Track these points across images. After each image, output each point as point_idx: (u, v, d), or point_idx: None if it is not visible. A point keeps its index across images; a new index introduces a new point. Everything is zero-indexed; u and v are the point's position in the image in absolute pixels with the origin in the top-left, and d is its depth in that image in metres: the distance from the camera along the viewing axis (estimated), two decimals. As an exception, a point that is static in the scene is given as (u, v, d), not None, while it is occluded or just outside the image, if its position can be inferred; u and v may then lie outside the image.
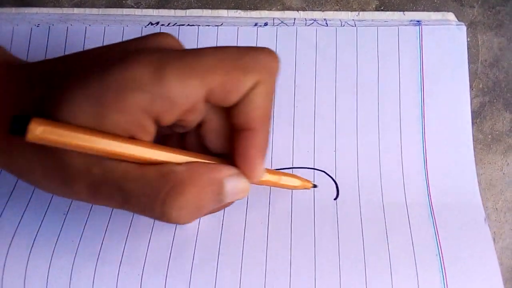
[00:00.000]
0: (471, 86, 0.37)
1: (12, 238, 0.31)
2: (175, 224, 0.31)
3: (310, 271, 0.30)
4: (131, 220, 0.32)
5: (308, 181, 0.31)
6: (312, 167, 0.34)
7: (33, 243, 0.31)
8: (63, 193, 0.25)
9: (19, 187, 0.33)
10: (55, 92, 0.23)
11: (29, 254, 0.30)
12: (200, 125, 0.26)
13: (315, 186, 0.32)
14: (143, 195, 0.23)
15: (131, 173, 0.23)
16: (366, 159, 0.34)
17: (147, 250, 0.31)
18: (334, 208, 0.33)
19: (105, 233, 0.31)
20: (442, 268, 0.30)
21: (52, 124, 0.21)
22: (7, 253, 0.30)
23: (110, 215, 0.32)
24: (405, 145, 0.34)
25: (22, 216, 0.32)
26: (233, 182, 0.25)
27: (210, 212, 0.30)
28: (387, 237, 0.31)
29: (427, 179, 0.34)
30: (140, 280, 0.29)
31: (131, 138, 0.23)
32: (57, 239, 0.31)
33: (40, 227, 0.31)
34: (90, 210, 0.32)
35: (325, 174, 0.34)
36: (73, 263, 0.30)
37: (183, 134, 0.28)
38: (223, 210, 0.32)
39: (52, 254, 0.30)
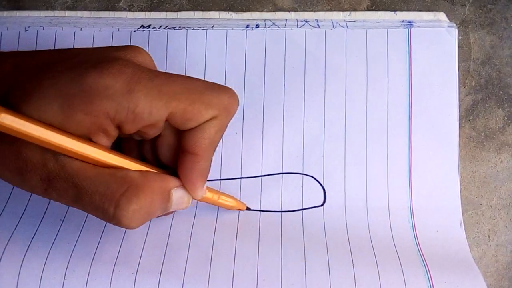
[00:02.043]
0: (463, 84, 0.37)
1: (8, 241, 0.31)
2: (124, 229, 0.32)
3: (300, 274, 0.30)
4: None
5: (243, 203, 0.33)
6: (301, 172, 0.34)
7: (29, 246, 0.30)
8: (18, 183, 0.26)
9: (16, 193, 0.33)
10: (25, 85, 0.24)
11: (24, 257, 0.30)
12: (156, 137, 0.28)
13: (248, 208, 0.34)
14: (97, 194, 0.25)
15: (87, 171, 0.25)
16: (353, 164, 0.34)
17: (142, 250, 0.31)
18: (321, 213, 0.33)
19: (102, 235, 0.31)
20: (425, 265, 0.31)
21: (14, 114, 0.22)
22: (2, 255, 0.30)
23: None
24: (391, 149, 0.35)
25: (19, 221, 0.32)
26: (179, 193, 0.28)
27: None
28: (371, 241, 0.32)
29: (410, 184, 0.34)
30: (134, 280, 0.29)
31: (90, 140, 0.25)
32: (53, 243, 0.31)
33: (36, 232, 0.31)
34: (86, 218, 0.32)
35: (313, 179, 0.34)
36: (67, 263, 0.30)
37: (141, 140, 0.30)
38: (216, 214, 0.33)
39: (47, 256, 0.30)
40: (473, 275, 0.30)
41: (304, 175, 0.34)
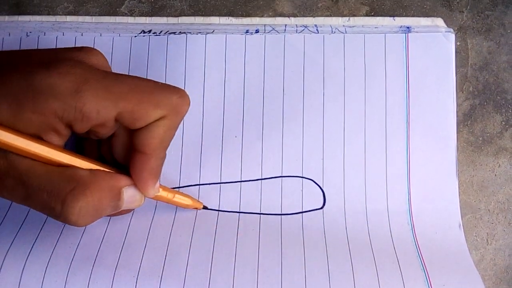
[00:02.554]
0: (461, 90, 0.38)
1: (10, 244, 0.31)
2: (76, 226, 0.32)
3: (300, 277, 0.30)
4: (128, 225, 0.32)
5: (200, 202, 0.34)
6: (301, 175, 0.34)
7: (31, 250, 0.31)
8: None
9: None
10: None
11: (26, 260, 0.30)
12: (110, 137, 0.29)
13: (205, 207, 0.34)
14: (45, 192, 0.25)
15: (35, 169, 0.25)
16: (352, 167, 0.35)
17: (143, 253, 0.31)
18: (321, 216, 0.33)
19: (103, 238, 0.32)
20: (424, 269, 0.31)
21: None
22: (4, 259, 0.30)
23: (108, 224, 0.32)
24: (390, 152, 0.35)
25: (21, 224, 0.32)
26: (130, 192, 0.28)
27: (108, 215, 0.32)
28: (370, 243, 0.32)
29: (408, 186, 0.34)
30: (135, 283, 0.29)
31: (39, 139, 0.25)
32: (55, 246, 0.31)
33: (38, 235, 0.32)
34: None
35: (313, 182, 0.34)
36: (69, 267, 0.30)
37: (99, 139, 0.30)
38: (216, 219, 0.33)
39: (49, 259, 0.30)
40: (471, 278, 0.30)
41: (303, 178, 0.34)
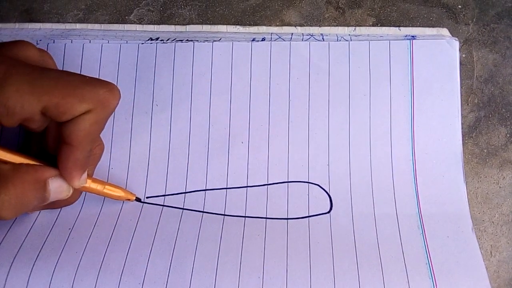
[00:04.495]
0: (467, 102, 0.38)
1: (18, 250, 0.31)
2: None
3: (306, 283, 0.30)
4: (134, 232, 0.32)
5: (132, 194, 0.34)
6: (307, 180, 0.34)
7: (38, 255, 0.31)
8: None
9: None
10: None
11: (33, 265, 0.30)
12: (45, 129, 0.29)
13: (138, 199, 0.34)
14: None
15: None
16: (358, 172, 0.35)
17: (148, 260, 0.31)
18: (328, 220, 0.33)
19: (108, 243, 0.32)
20: (432, 277, 0.30)
21: None
22: (11, 264, 0.30)
23: (113, 229, 0.33)
24: (396, 157, 0.35)
25: (29, 230, 0.32)
26: (57, 183, 0.29)
27: (42, 209, 0.32)
28: (378, 248, 0.32)
29: (416, 190, 0.34)
30: None
31: None
32: (61, 252, 0.31)
33: (45, 240, 0.32)
34: (94, 226, 0.33)
35: (319, 188, 0.34)
36: (75, 273, 0.30)
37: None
38: (221, 224, 0.33)
39: (56, 265, 0.30)
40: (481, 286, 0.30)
41: (309, 184, 0.34)
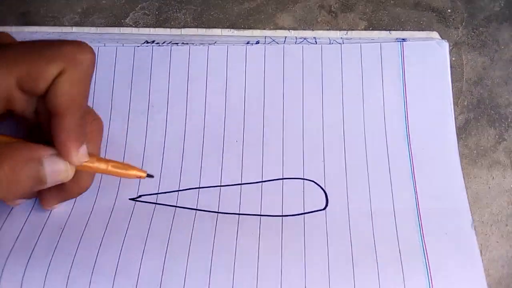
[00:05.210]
0: (456, 104, 0.38)
1: (10, 251, 0.31)
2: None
3: (300, 279, 0.30)
4: (126, 232, 0.32)
5: (143, 170, 0.32)
6: (302, 177, 0.35)
7: (30, 257, 0.31)
8: None
9: (18, 206, 0.33)
10: None
11: (25, 269, 0.30)
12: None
13: (149, 176, 0.33)
14: None
15: None
16: (354, 168, 0.35)
17: (141, 260, 0.31)
18: (323, 217, 0.33)
19: (100, 244, 0.31)
20: (428, 274, 0.31)
21: None
22: (4, 266, 0.30)
23: (106, 228, 0.32)
24: (392, 154, 0.35)
25: (21, 231, 0.32)
26: (52, 162, 0.27)
27: (59, 198, 0.32)
28: (375, 245, 0.32)
29: (414, 186, 0.34)
30: None
31: None
32: (53, 253, 0.31)
33: (37, 241, 0.32)
34: (86, 226, 0.32)
35: (314, 184, 0.34)
36: (68, 275, 0.30)
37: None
38: (215, 221, 0.33)
39: (48, 267, 0.30)
40: (478, 286, 0.31)
41: (304, 180, 0.35)
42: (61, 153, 0.27)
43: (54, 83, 0.26)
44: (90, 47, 0.27)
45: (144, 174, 0.32)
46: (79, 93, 0.27)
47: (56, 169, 0.27)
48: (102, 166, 0.30)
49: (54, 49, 0.26)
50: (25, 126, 0.31)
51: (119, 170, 0.31)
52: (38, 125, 0.29)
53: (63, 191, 0.30)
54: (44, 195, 0.32)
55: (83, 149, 0.28)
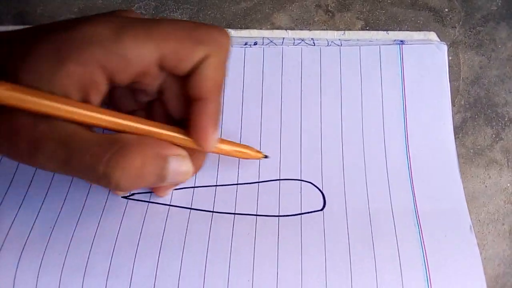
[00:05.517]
0: (453, 103, 0.38)
1: None
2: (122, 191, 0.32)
3: (297, 281, 0.30)
4: (118, 231, 0.32)
5: (260, 152, 0.33)
6: (299, 178, 0.35)
7: (20, 258, 0.30)
8: (7, 150, 0.26)
9: (6, 203, 0.33)
10: (20, 51, 0.24)
11: (16, 270, 0.30)
12: (161, 94, 0.28)
13: (266, 156, 0.34)
14: (87, 154, 0.24)
15: (79, 132, 0.25)
16: (352, 170, 0.35)
17: (134, 261, 0.31)
18: (321, 218, 0.33)
19: (92, 244, 0.31)
20: (427, 277, 0.31)
21: (11, 87, 0.23)
22: None
23: (97, 227, 0.32)
24: (390, 155, 0.35)
25: (8, 231, 0.32)
26: (177, 162, 0.27)
27: (158, 193, 0.32)
28: (373, 246, 0.32)
29: (412, 188, 0.34)
30: None
31: (84, 102, 0.25)
32: (44, 253, 0.31)
33: (26, 241, 0.31)
34: (77, 224, 0.32)
35: (312, 185, 0.34)
36: (60, 277, 0.30)
37: (151, 106, 0.30)
38: (210, 220, 0.33)
39: (39, 268, 0.30)
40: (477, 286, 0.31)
41: (302, 181, 0.35)
42: (198, 139, 0.28)
43: (200, 66, 0.26)
44: (228, 32, 0.28)
45: (262, 155, 0.33)
46: (221, 77, 0.28)
47: (179, 171, 0.27)
48: (227, 147, 0.31)
49: (202, 31, 0.26)
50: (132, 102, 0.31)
51: (242, 150, 0.32)
52: (149, 103, 0.30)
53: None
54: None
55: (217, 134, 0.28)
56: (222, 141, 0.31)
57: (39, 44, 0.24)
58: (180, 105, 0.28)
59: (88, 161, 0.24)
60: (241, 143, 0.34)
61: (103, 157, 0.24)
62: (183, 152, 0.27)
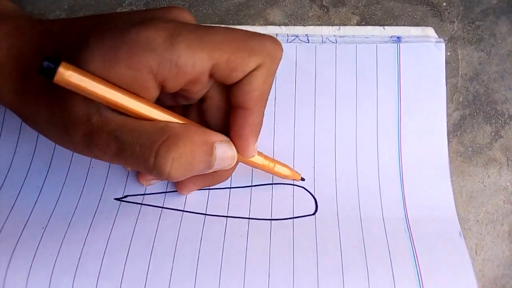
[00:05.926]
0: (451, 100, 0.38)
1: None
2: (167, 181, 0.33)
3: (289, 284, 0.30)
4: (110, 233, 0.32)
5: (298, 173, 0.33)
6: (291, 183, 0.34)
7: (11, 257, 0.30)
8: (62, 141, 0.27)
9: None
10: (72, 43, 0.25)
11: (7, 270, 0.30)
12: (202, 101, 0.28)
13: (303, 179, 0.34)
14: (138, 145, 0.25)
15: (129, 124, 0.25)
16: (344, 175, 0.34)
17: (125, 263, 0.30)
18: (313, 223, 0.33)
19: (84, 245, 0.31)
20: (419, 282, 0.30)
21: (77, 70, 0.23)
22: None
23: (89, 229, 0.32)
24: (382, 160, 0.35)
25: (1, 230, 0.32)
26: (223, 148, 0.27)
27: (201, 184, 0.33)
28: (365, 251, 0.32)
29: (403, 194, 0.34)
30: None
31: (136, 95, 0.25)
32: (35, 253, 0.31)
33: (18, 241, 0.31)
34: (69, 225, 0.32)
35: (304, 190, 0.34)
36: (51, 277, 0.30)
37: (185, 107, 0.30)
38: (202, 224, 0.33)
39: (30, 268, 0.30)
40: None
41: (294, 186, 0.34)
42: (238, 146, 0.28)
43: (250, 76, 0.26)
44: (280, 42, 0.28)
45: (299, 177, 0.33)
46: (269, 88, 0.28)
47: (225, 156, 0.28)
48: (264, 162, 0.31)
49: (256, 41, 0.26)
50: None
51: (280, 171, 0.32)
52: (189, 108, 0.30)
53: (206, 178, 0.31)
54: (184, 180, 0.32)
55: (256, 143, 0.29)
56: (265, 157, 0.31)
57: (95, 39, 0.24)
58: (219, 113, 0.29)
59: (138, 153, 0.25)
60: None
61: (153, 148, 0.25)
62: (227, 138, 0.28)
